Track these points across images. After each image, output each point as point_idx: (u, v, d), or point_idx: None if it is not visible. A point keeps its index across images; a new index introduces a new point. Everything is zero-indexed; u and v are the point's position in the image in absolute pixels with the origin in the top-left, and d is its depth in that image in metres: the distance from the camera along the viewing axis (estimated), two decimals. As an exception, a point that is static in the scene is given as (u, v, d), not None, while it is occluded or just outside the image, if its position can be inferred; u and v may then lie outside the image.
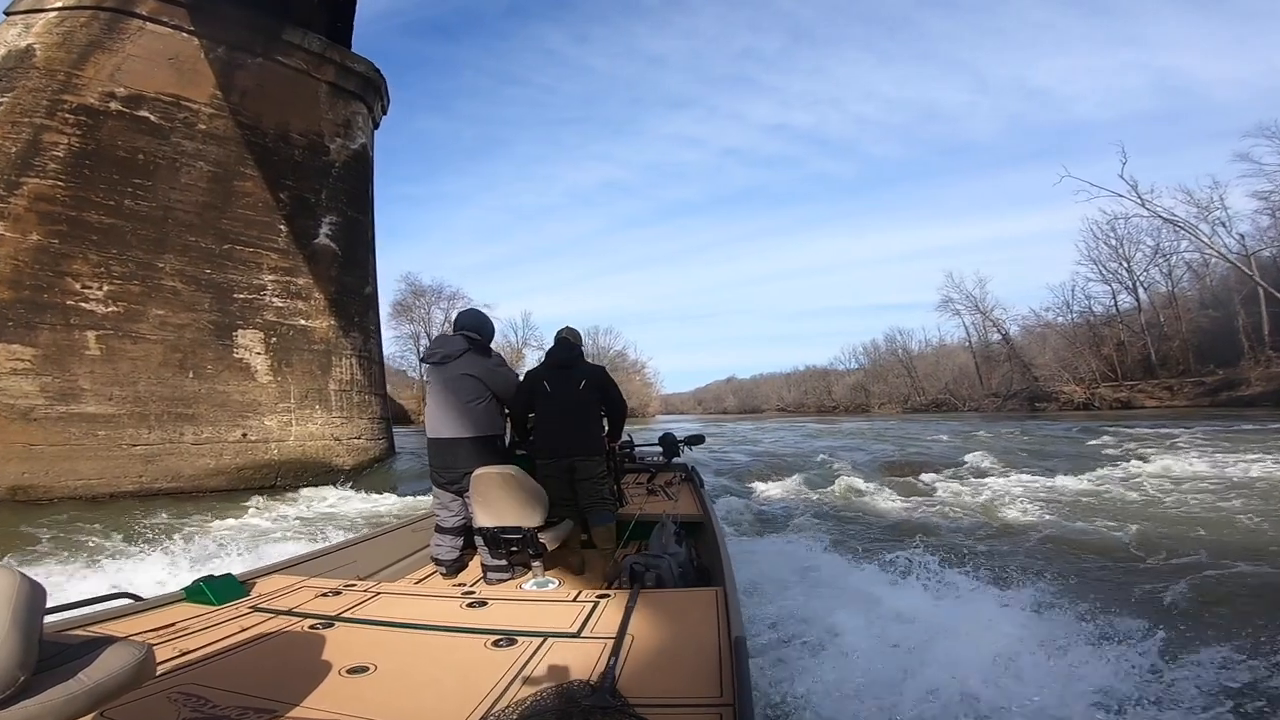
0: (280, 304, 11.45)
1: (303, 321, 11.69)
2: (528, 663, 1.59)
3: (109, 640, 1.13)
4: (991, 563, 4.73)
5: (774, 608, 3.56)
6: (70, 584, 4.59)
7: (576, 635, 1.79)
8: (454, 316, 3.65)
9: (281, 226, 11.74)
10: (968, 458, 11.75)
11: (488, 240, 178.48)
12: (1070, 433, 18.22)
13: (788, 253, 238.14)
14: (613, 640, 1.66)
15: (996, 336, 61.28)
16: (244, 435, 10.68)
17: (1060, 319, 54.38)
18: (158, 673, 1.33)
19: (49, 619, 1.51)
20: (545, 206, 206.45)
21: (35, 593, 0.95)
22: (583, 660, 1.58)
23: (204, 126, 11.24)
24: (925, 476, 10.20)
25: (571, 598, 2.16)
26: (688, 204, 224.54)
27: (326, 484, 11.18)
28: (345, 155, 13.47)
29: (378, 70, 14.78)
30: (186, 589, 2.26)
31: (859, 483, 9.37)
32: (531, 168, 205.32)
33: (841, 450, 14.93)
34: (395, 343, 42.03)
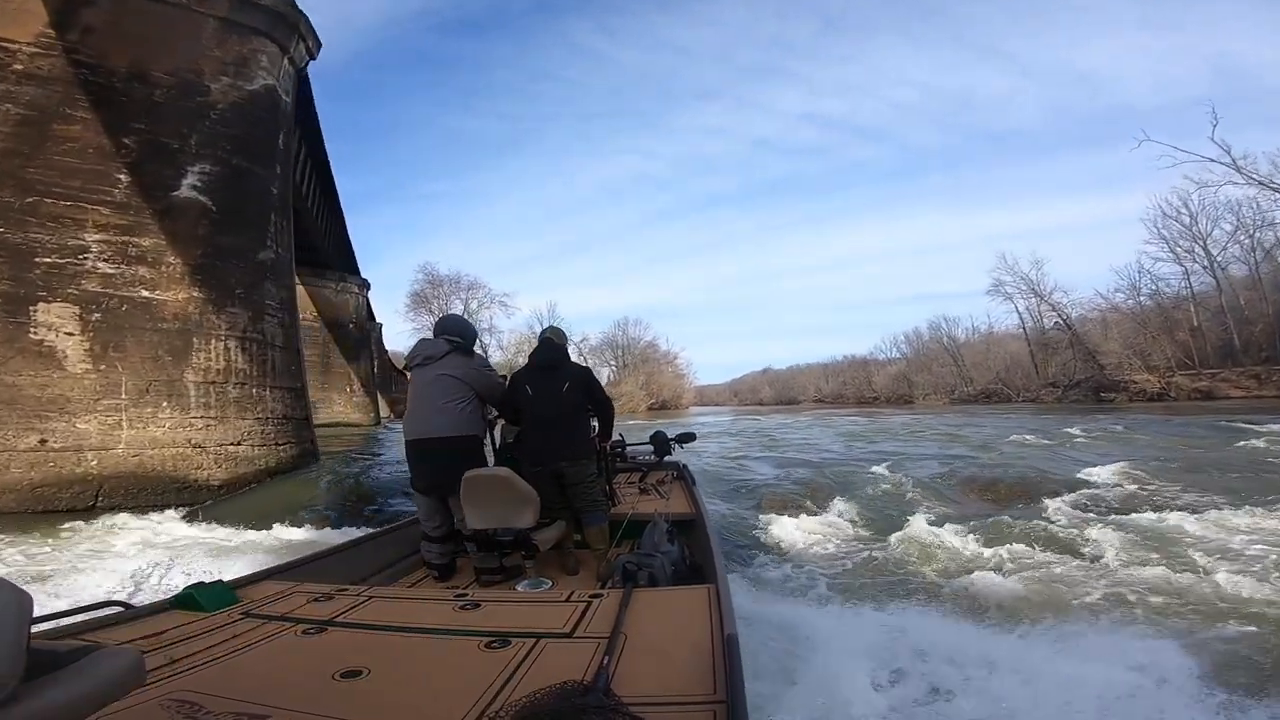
0: (110, 270, 8.41)
1: (145, 293, 8.62)
2: (521, 664, 1.51)
3: (98, 648, 1.04)
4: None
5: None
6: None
7: (570, 635, 1.71)
8: (456, 315, 3.52)
9: (120, 176, 8.70)
10: (1094, 473, 7.46)
11: (520, 236, 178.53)
12: (1191, 430, 13.39)
13: (823, 244, 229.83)
14: (606, 639, 1.59)
15: (1054, 322, 54.77)
16: (43, 441, 7.69)
17: (1129, 302, 48.45)
18: (148, 680, 1.26)
19: (37, 627, 1.26)
20: (577, 201, 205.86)
21: (21, 600, 0.85)
22: (576, 660, 1.49)
23: (20, 67, 8.39)
24: (1051, 507, 6.00)
25: (565, 598, 2.06)
26: (720, 196, 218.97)
27: (176, 505, 8.10)
28: (235, 97, 10.42)
29: (293, 4, 11.73)
30: (177, 596, 2.11)
31: (944, 530, 5.27)
32: (561, 163, 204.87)
33: (899, 456, 10.84)
34: (415, 335, 40.02)
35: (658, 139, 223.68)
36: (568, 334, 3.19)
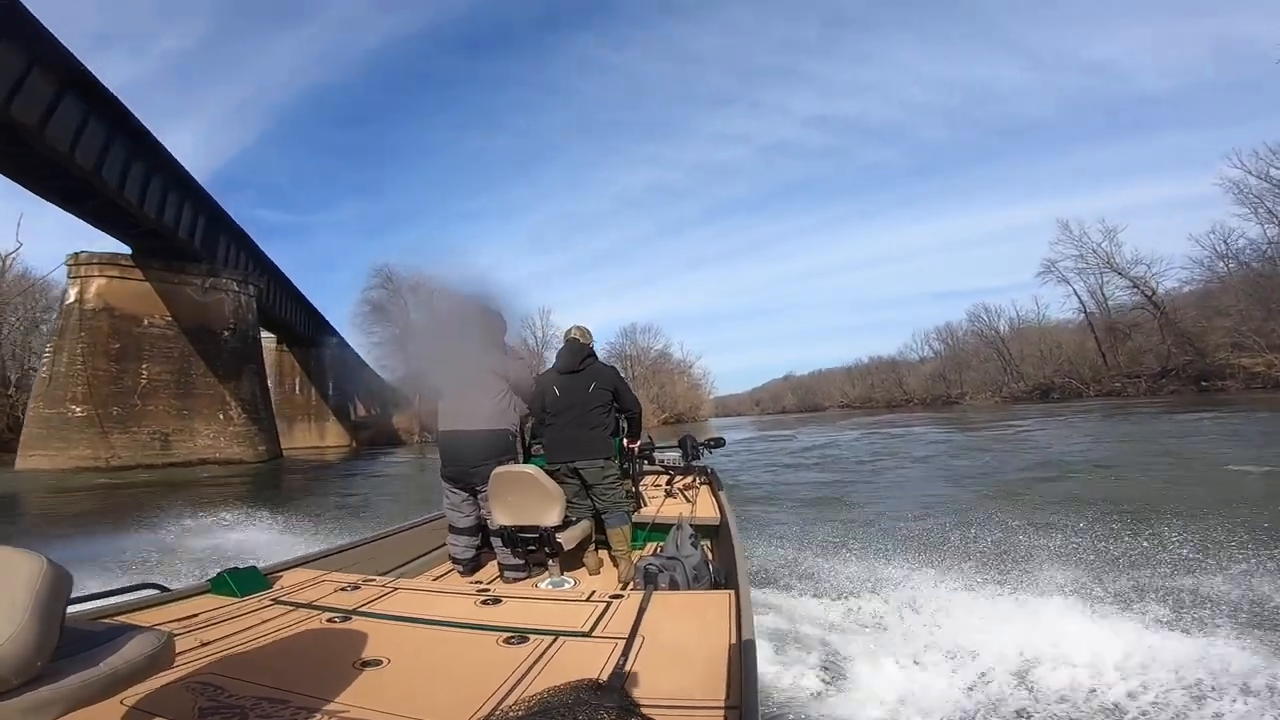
0: None
1: None
2: (538, 660, 1.40)
3: (131, 629, 0.99)
4: None
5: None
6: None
7: (588, 635, 1.58)
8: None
9: None
10: None
11: (539, 251, 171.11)
12: None
13: (839, 245, 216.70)
14: (624, 640, 1.48)
15: (1133, 301, 43.13)
16: None
17: (1238, 271, 37.48)
18: (177, 663, 1.22)
19: (76, 608, 1.37)
20: (596, 214, 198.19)
21: (60, 580, 0.82)
22: (593, 659, 1.38)
23: None
24: None
25: (585, 597, 1.90)
26: (734, 202, 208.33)
27: None
28: None
29: None
30: (212, 580, 2.02)
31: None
32: (579, 175, 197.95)
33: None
34: (377, 349, 30.60)
35: (674, 148, 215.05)
36: (573, 338, 3.01)
